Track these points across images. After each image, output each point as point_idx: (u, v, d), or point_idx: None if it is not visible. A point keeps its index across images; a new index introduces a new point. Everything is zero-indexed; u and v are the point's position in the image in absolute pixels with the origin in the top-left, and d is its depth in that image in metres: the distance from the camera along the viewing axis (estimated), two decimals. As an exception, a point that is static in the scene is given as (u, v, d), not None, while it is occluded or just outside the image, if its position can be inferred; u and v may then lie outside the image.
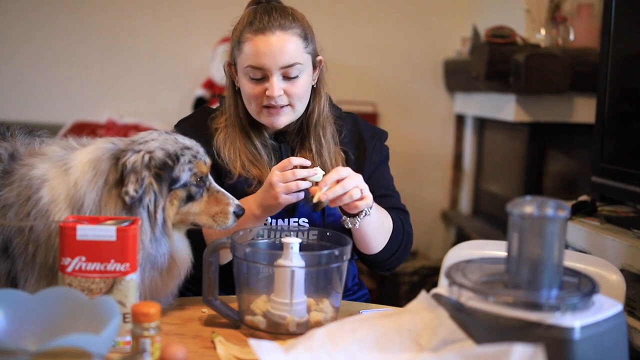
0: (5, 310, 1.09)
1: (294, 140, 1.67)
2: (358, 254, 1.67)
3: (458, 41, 3.83)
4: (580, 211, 2.36)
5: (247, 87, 1.58)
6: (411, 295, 2.82)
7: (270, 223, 1.59)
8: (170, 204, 1.29)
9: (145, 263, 1.26)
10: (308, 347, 1.08)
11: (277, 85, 1.54)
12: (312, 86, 1.63)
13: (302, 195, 1.45)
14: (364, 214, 1.48)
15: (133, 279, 1.16)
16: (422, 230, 4.04)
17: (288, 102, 1.57)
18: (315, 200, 1.39)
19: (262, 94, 1.56)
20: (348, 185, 1.40)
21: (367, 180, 1.67)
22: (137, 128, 3.60)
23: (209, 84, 3.71)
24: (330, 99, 1.71)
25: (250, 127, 1.64)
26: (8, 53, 3.80)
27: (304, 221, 1.61)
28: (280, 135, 1.67)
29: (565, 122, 3.10)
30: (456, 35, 3.87)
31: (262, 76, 1.55)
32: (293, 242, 1.28)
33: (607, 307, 1.02)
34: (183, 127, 1.66)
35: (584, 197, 2.44)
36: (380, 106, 4.00)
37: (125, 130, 3.58)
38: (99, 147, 1.30)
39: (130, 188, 1.22)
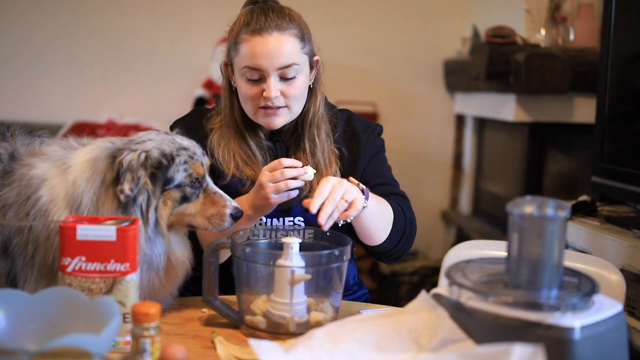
0: (5, 310, 1.09)
1: (289, 139, 1.67)
2: (364, 248, 1.66)
3: (458, 41, 3.83)
4: (580, 211, 2.36)
5: (244, 88, 1.58)
6: (411, 295, 2.82)
7: (265, 223, 1.59)
8: (163, 205, 1.28)
9: (142, 263, 1.26)
10: (308, 347, 1.08)
11: (274, 87, 1.54)
12: (309, 86, 1.63)
13: (293, 194, 1.45)
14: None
15: (133, 279, 1.16)
16: (422, 230, 4.01)
17: (285, 103, 1.57)
18: (309, 173, 1.40)
19: (259, 95, 1.56)
20: (334, 199, 1.36)
21: (361, 173, 1.68)
22: (137, 128, 3.60)
23: (209, 84, 3.70)
24: (325, 99, 1.71)
25: (245, 127, 1.64)
26: (8, 53, 3.80)
27: (299, 220, 1.61)
28: (276, 135, 1.67)
29: (565, 122, 3.10)
30: (456, 35, 3.87)
31: (259, 77, 1.55)
32: (293, 242, 1.28)
33: (607, 307, 1.02)
34: (178, 127, 1.66)
35: (584, 197, 2.44)
36: (380, 106, 4.00)
37: (125, 130, 3.58)
38: (98, 147, 1.30)
39: (126, 187, 1.22)
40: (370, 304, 1.53)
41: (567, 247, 2.26)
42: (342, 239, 1.38)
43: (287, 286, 1.27)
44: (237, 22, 1.59)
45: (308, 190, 1.58)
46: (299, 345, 1.08)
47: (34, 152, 1.35)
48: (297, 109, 1.61)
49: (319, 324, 1.28)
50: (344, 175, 1.63)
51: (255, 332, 1.28)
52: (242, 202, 1.49)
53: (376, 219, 1.55)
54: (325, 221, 1.34)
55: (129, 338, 1.13)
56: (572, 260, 1.50)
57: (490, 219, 3.64)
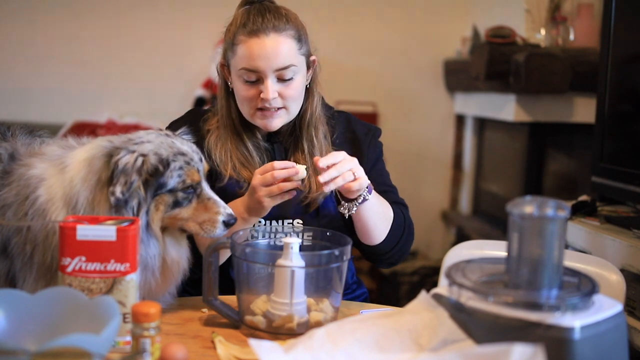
0: (5, 310, 1.09)
1: (287, 140, 1.67)
2: (360, 249, 1.66)
3: (458, 41, 3.83)
4: (580, 211, 2.36)
5: (241, 90, 1.57)
6: (411, 295, 2.81)
7: (265, 224, 1.59)
8: (155, 209, 1.27)
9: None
10: (308, 347, 1.08)
11: (271, 88, 1.54)
12: (306, 86, 1.63)
13: (287, 196, 1.44)
14: (361, 198, 1.48)
15: (133, 279, 1.16)
16: (422, 230, 4.04)
17: (282, 104, 1.57)
18: (300, 173, 1.41)
19: (257, 97, 1.56)
20: (342, 168, 1.40)
21: None
22: (137, 128, 3.60)
23: (209, 84, 3.70)
24: (322, 99, 1.71)
25: (242, 128, 1.63)
26: (8, 53, 3.80)
27: (298, 222, 1.61)
28: (274, 136, 1.66)
29: (565, 122, 3.10)
30: (456, 35, 3.87)
31: (256, 78, 1.55)
32: (293, 242, 1.27)
33: (607, 307, 1.02)
34: (173, 129, 1.65)
35: (584, 197, 2.44)
36: (380, 106, 4.00)
37: (125, 130, 3.58)
38: (95, 146, 1.30)
39: (118, 189, 1.21)
40: (369, 304, 1.53)
41: (567, 247, 2.26)
42: (342, 239, 1.38)
43: (287, 286, 1.27)
44: (234, 22, 1.58)
45: (307, 191, 1.58)
46: (299, 345, 1.08)
47: (33, 152, 1.35)
48: (294, 110, 1.61)
49: (319, 324, 1.28)
50: None
51: (255, 332, 1.28)
52: (237, 205, 1.50)
53: (377, 216, 1.55)
54: (327, 182, 1.38)
55: (129, 338, 1.13)
56: (572, 260, 1.50)
57: (490, 219, 3.64)
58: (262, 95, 1.54)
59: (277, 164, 1.43)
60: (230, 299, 1.38)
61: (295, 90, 1.58)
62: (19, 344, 1.01)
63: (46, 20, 3.81)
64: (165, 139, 1.32)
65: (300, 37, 1.58)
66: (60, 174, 1.27)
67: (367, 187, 1.47)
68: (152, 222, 1.27)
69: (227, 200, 1.55)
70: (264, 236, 1.46)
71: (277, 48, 1.52)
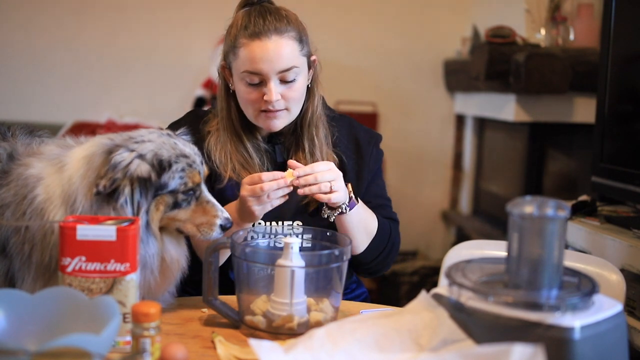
0: (5, 310, 1.09)
1: (288, 140, 1.67)
2: None
3: (458, 41, 3.83)
4: (580, 211, 2.36)
5: (244, 92, 1.57)
6: (411, 295, 2.81)
7: (265, 225, 1.59)
8: (155, 209, 1.27)
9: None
10: (308, 347, 1.08)
11: (274, 90, 1.54)
12: (307, 86, 1.63)
13: (277, 202, 1.45)
14: (339, 211, 1.52)
15: (133, 279, 1.16)
16: (422, 230, 4.04)
17: (285, 106, 1.57)
18: (289, 181, 1.43)
19: (260, 99, 1.56)
20: (322, 177, 1.44)
21: (365, 188, 1.68)
22: (137, 128, 3.60)
23: (209, 84, 3.70)
24: (323, 100, 1.71)
25: (242, 130, 1.64)
26: (8, 53, 3.80)
27: (298, 224, 1.60)
28: (275, 137, 1.67)
29: (565, 122, 3.10)
30: (456, 35, 3.87)
31: (259, 81, 1.55)
32: (293, 242, 1.27)
33: (607, 307, 1.02)
34: (173, 130, 1.65)
35: (584, 197, 2.44)
36: (380, 106, 4.00)
37: (125, 130, 3.57)
38: (95, 143, 1.30)
39: (101, 182, 1.21)
40: (369, 304, 1.53)
41: (567, 247, 2.26)
42: (342, 239, 1.38)
43: (287, 286, 1.27)
44: (234, 25, 1.58)
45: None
46: (299, 345, 1.08)
47: (32, 152, 1.35)
48: (296, 111, 1.61)
49: (319, 324, 1.28)
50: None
51: (255, 332, 1.28)
52: (232, 209, 1.50)
53: (356, 229, 1.59)
54: (301, 186, 1.43)
55: (129, 338, 1.13)
56: (572, 260, 1.50)
57: (490, 219, 3.64)
58: (265, 98, 1.54)
59: (266, 175, 1.43)
60: (230, 299, 1.38)
61: (298, 92, 1.58)
62: (19, 344, 1.01)
63: (46, 21, 3.81)
64: (167, 139, 1.32)
65: (302, 38, 1.58)
66: (58, 172, 1.27)
67: (348, 202, 1.52)
68: (151, 221, 1.27)
69: (226, 201, 1.56)
70: (263, 237, 1.47)
71: (280, 50, 1.53)
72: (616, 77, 2.34)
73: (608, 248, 2.10)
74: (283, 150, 1.67)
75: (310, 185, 1.44)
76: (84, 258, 1.13)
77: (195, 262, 1.44)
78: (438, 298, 1.10)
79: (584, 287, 1.04)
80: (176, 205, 1.30)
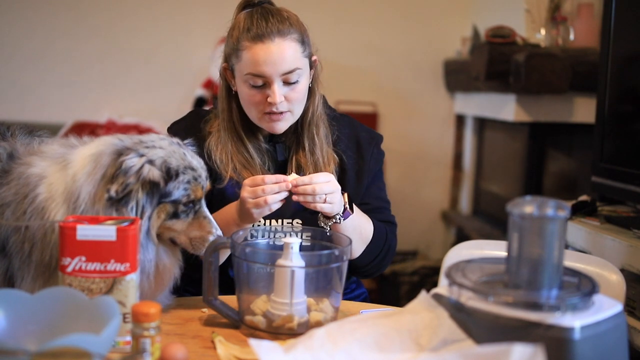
0: (5, 310, 1.09)
1: (289, 139, 1.67)
2: None
3: (458, 41, 3.83)
4: (580, 211, 2.36)
5: (247, 95, 1.57)
6: (411, 295, 2.82)
7: (265, 223, 1.59)
8: (157, 216, 1.28)
9: None
10: (308, 347, 1.08)
11: (278, 92, 1.54)
12: (308, 86, 1.63)
13: (275, 206, 1.45)
14: (332, 220, 1.51)
15: (133, 279, 1.16)
16: (422, 230, 4.05)
17: (288, 107, 1.58)
18: (290, 185, 1.43)
19: (264, 101, 1.56)
20: (319, 190, 1.43)
21: (364, 189, 1.69)
22: (137, 128, 3.60)
23: (209, 84, 3.70)
24: (324, 99, 1.71)
25: (243, 131, 1.64)
26: (8, 53, 3.80)
27: (297, 222, 1.61)
28: (276, 137, 1.67)
29: (565, 122, 3.10)
30: (456, 35, 3.87)
31: (262, 83, 1.55)
32: (293, 242, 1.28)
33: (607, 307, 1.02)
34: (175, 130, 1.66)
35: (584, 197, 2.44)
36: (380, 106, 4.00)
37: (125, 130, 3.58)
38: (104, 142, 1.29)
39: (113, 188, 1.21)
40: (369, 304, 1.53)
41: (567, 247, 2.26)
42: (342, 239, 1.38)
43: (287, 286, 1.27)
44: (236, 27, 1.57)
45: None
46: (299, 345, 1.08)
47: (33, 151, 1.35)
48: (298, 112, 1.62)
49: (319, 324, 1.28)
50: (348, 185, 1.66)
51: (255, 332, 1.28)
52: (232, 209, 1.50)
53: (351, 236, 1.58)
54: (297, 197, 1.43)
55: (129, 338, 1.13)
56: (572, 260, 1.50)
57: (490, 219, 3.64)
58: (269, 100, 1.55)
59: (268, 178, 1.43)
60: (230, 299, 1.38)
61: (301, 93, 1.58)
62: (19, 344, 1.01)
63: (46, 20, 3.81)
64: (177, 149, 1.32)
65: (303, 40, 1.58)
66: (62, 170, 1.26)
67: (342, 212, 1.51)
68: (152, 227, 1.27)
69: (227, 201, 1.56)
70: (263, 236, 1.47)
71: (283, 53, 1.53)
72: (616, 77, 2.34)
73: (608, 248, 2.10)
74: (284, 149, 1.67)
75: (304, 196, 1.43)
76: (84, 258, 1.13)
77: (195, 260, 1.44)
78: (438, 298, 1.10)
79: (584, 287, 1.04)
80: (175, 215, 1.30)
